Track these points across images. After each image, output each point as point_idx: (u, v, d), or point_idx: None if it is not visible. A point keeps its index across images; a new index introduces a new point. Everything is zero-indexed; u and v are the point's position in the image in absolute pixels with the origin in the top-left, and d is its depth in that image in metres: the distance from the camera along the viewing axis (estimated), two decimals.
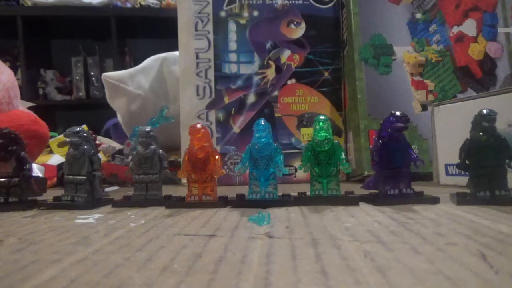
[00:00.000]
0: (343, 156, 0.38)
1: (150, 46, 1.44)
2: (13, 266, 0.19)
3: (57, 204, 0.40)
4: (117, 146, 0.87)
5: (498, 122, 0.35)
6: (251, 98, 0.68)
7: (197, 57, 0.67)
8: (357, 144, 0.63)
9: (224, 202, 0.39)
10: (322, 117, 0.38)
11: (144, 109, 0.79)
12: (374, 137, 0.40)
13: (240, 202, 0.38)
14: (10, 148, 0.40)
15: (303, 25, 0.69)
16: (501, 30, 0.66)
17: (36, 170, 0.62)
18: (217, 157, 0.39)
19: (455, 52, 0.66)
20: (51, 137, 0.75)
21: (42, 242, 0.25)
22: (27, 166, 0.41)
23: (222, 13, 0.69)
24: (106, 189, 0.59)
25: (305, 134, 0.67)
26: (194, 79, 0.67)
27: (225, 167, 0.65)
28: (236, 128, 0.67)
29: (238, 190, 0.41)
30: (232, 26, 0.69)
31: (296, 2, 0.69)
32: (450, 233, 0.24)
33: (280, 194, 0.39)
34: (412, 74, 0.65)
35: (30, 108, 0.75)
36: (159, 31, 1.61)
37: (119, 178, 0.65)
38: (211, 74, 0.67)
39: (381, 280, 0.16)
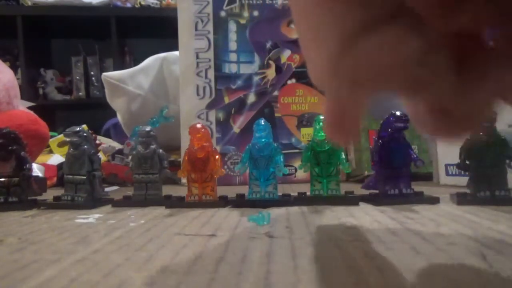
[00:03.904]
0: (343, 156, 0.38)
1: (150, 46, 1.44)
2: (13, 266, 0.19)
3: (57, 204, 0.40)
4: (117, 146, 0.87)
5: (498, 122, 0.35)
6: (251, 98, 0.68)
7: (197, 57, 0.67)
8: (357, 144, 0.63)
9: (224, 202, 0.39)
10: (322, 117, 0.38)
11: (144, 109, 0.79)
12: (374, 137, 0.40)
13: (240, 202, 0.38)
14: (10, 147, 0.40)
15: None
16: None
17: (36, 170, 0.62)
18: (217, 157, 0.39)
19: None
20: (51, 137, 0.75)
21: (42, 242, 0.25)
22: (27, 165, 0.41)
23: (222, 13, 0.69)
24: (106, 189, 0.59)
25: (305, 134, 0.67)
26: (194, 79, 0.67)
27: (225, 167, 0.65)
28: (236, 128, 0.67)
29: (238, 190, 0.42)
30: (232, 26, 0.69)
31: None
32: (450, 233, 0.24)
33: (280, 194, 0.39)
34: None
35: (30, 108, 0.75)
36: (159, 31, 1.61)
37: (119, 178, 0.65)
38: (211, 74, 0.67)
39: (381, 280, 0.16)
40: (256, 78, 0.68)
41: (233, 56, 0.68)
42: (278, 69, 0.68)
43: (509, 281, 0.16)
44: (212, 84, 0.67)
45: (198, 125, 0.38)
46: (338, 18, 0.13)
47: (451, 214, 0.31)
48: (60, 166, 0.65)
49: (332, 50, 0.13)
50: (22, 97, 0.72)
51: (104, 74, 0.82)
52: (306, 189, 0.40)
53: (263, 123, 0.38)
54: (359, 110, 0.15)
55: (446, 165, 0.52)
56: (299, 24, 0.15)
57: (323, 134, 0.38)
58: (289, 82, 0.68)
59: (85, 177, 0.40)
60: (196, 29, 0.68)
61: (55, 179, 0.66)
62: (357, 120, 0.16)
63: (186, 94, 0.67)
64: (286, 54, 0.69)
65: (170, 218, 0.32)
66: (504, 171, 0.35)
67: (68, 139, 0.40)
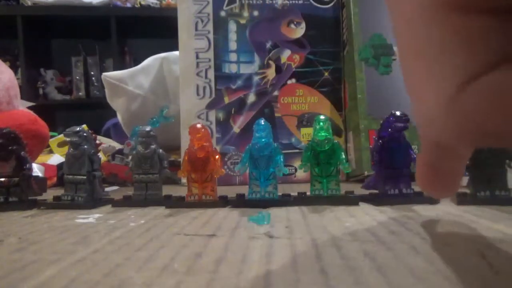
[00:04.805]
0: (343, 156, 0.38)
1: (150, 46, 1.44)
2: (13, 266, 0.19)
3: (57, 204, 0.40)
4: (117, 146, 0.87)
5: None
6: (251, 98, 0.68)
7: (197, 57, 0.67)
8: (357, 144, 0.63)
9: (224, 202, 0.39)
10: (322, 117, 0.38)
11: (144, 109, 0.79)
12: (374, 137, 0.40)
13: (240, 202, 0.38)
14: (10, 147, 0.40)
15: (303, 25, 0.69)
16: None
17: (36, 169, 0.62)
18: (217, 157, 0.39)
19: None
20: (51, 136, 0.75)
21: (42, 242, 0.25)
22: (27, 165, 0.41)
23: (222, 13, 0.68)
24: (106, 189, 0.59)
25: (305, 134, 0.67)
26: (194, 79, 0.67)
27: (225, 167, 0.65)
28: (236, 128, 0.67)
29: (238, 190, 0.42)
30: (232, 26, 0.69)
31: (296, 2, 0.69)
32: (450, 233, 0.24)
33: (280, 194, 0.39)
34: None
35: (30, 107, 0.75)
36: (159, 31, 1.61)
37: (119, 178, 0.65)
38: (211, 74, 0.67)
39: (381, 280, 0.16)
40: (256, 78, 0.68)
41: (233, 56, 0.68)
42: (278, 69, 0.68)
43: (509, 281, 0.16)
44: (212, 84, 0.67)
45: (198, 125, 0.38)
46: (463, 56, 0.12)
47: (451, 214, 0.31)
48: (60, 166, 0.65)
49: (450, 90, 0.12)
50: (22, 97, 0.72)
51: (104, 74, 0.82)
52: (306, 189, 0.40)
53: (263, 123, 0.38)
54: (460, 166, 0.15)
55: None
56: (408, 60, 0.14)
57: (323, 134, 0.38)
58: (289, 82, 0.68)
59: (85, 177, 0.40)
60: (196, 29, 0.68)
61: (55, 179, 0.66)
62: (457, 178, 0.16)
63: (186, 94, 0.67)
64: (286, 54, 0.69)
65: (170, 218, 0.32)
66: (504, 171, 0.35)
67: (68, 139, 0.40)
